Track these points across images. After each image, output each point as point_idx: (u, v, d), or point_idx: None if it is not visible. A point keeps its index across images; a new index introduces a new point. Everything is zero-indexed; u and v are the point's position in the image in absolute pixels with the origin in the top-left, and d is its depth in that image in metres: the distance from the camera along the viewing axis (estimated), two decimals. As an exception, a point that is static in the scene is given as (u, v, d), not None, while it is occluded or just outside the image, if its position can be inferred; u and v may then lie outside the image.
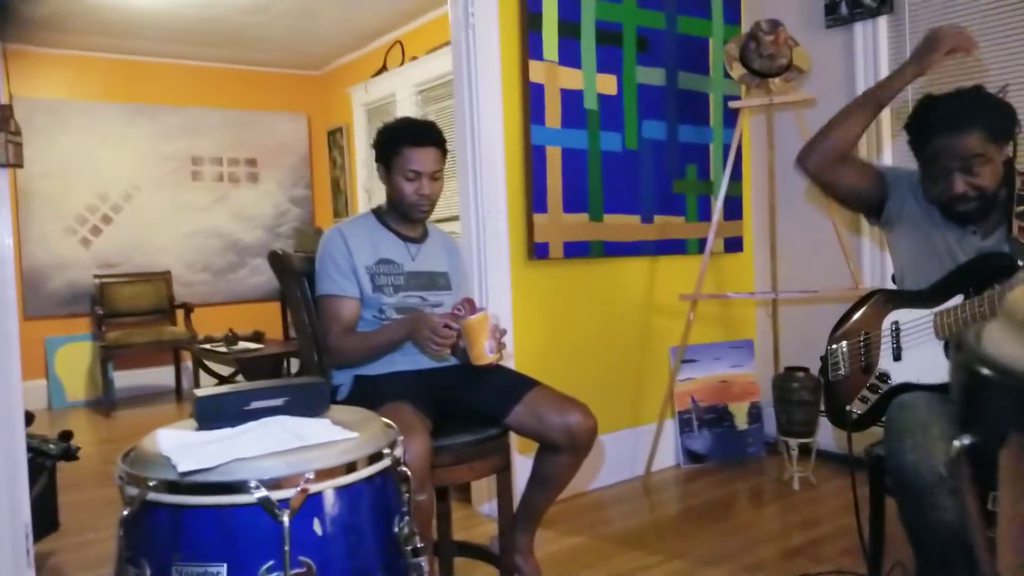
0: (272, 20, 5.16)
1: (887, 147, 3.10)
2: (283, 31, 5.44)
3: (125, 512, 1.04)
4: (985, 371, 0.48)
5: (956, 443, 0.50)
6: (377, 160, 2.10)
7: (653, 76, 3.21)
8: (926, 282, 1.85)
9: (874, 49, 3.06)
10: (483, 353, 1.79)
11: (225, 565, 0.98)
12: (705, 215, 3.37)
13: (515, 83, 2.83)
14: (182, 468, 1.01)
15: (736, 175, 3.47)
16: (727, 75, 3.21)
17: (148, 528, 1.03)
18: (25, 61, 5.36)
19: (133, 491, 1.04)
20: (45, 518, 2.42)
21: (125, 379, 5.71)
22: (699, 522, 2.72)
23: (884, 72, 3.04)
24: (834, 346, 1.96)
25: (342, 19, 5.24)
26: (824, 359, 1.98)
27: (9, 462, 2.04)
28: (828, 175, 1.97)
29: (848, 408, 1.88)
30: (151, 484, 1.02)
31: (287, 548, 0.98)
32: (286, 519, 0.98)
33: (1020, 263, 1.70)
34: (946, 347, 1.78)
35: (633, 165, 3.15)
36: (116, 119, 5.76)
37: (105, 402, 5.25)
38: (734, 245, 3.54)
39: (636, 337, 3.25)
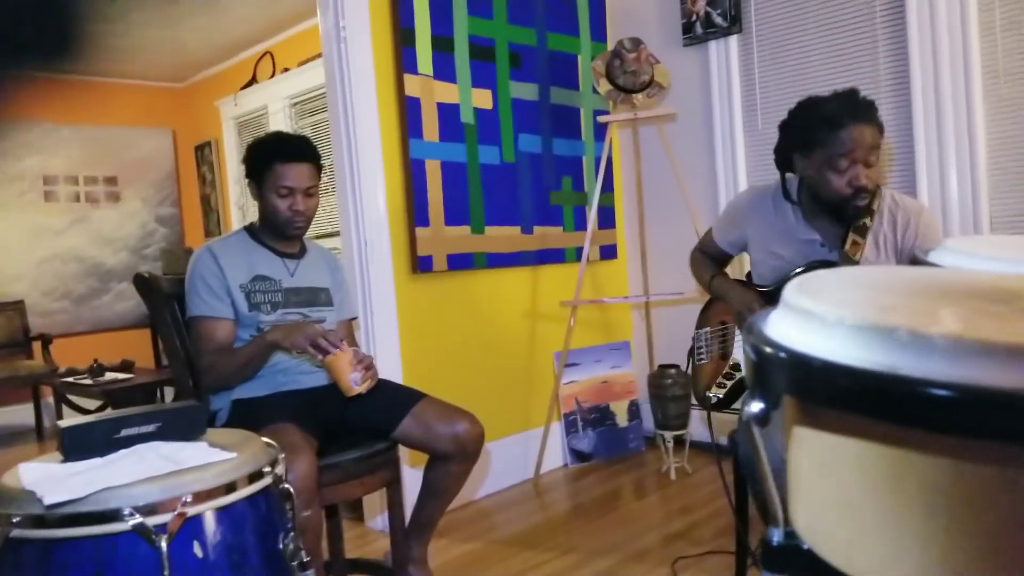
0: (128, 28, 4.92)
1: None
2: (144, 40, 5.19)
3: (-12, 553, 0.98)
4: (766, 348, 0.59)
5: (746, 409, 0.60)
6: (248, 176, 2.05)
7: (527, 91, 3.30)
8: (769, 281, 2.02)
9: (727, 65, 3.28)
10: (349, 387, 1.79)
11: (102, 598, 0.95)
12: (581, 225, 3.49)
13: (391, 97, 2.84)
14: (49, 501, 0.96)
15: (608, 186, 3.62)
16: (595, 90, 3.35)
17: (15, 567, 0.97)
18: None
19: (0, 529, 0.98)
20: None
21: (-21, 418, 5.25)
22: (587, 517, 2.82)
23: (737, 86, 3.27)
24: (698, 331, 2.11)
25: (205, 28, 5.06)
26: (691, 345, 2.13)
27: None
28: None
29: (707, 393, 2.01)
30: (15, 520, 0.97)
31: (167, 574, 0.95)
32: (164, 544, 0.96)
33: None
34: None
35: (512, 178, 3.23)
36: (-45, 137, 5.31)
37: (-46, 445, 4.82)
38: (609, 252, 3.69)
39: (521, 344, 3.32)
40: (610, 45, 3.57)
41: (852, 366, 0.53)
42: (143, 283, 2.04)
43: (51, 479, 1.02)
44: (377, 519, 2.80)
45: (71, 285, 5.80)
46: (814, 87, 3.02)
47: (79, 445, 1.14)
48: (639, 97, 3.22)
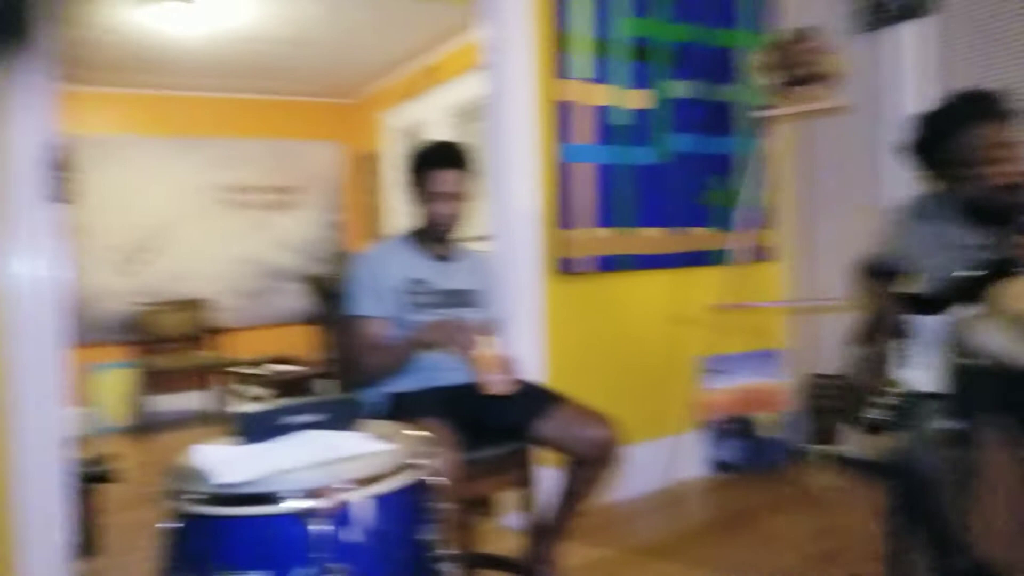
0: (305, 51, 5.29)
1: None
2: (316, 61, 5.56)
3: (167, 525, 1.06)
4: (971, 362, 0.51)
5: (946, 426, 0.53)
6: (406, 184, 2.16)
7: (684, 89, 3.23)
8: (932, 282, 1.86)
9: (906, 54, 3.03)
10: (488, 385, 1.83)
11: (263, 573, 1.01)
12: (733, 226, 3.36)
13: (545, 102, 2.86)
14: (220, 481, 1.04)
15: (764, 185, 3.45)
16: (755, 85, 3.21)
17: (190, 540, 1.06)
18: (70, 99, 5.55)
19: (174, 504, 1.07)
20: (86, 540, 2.48)
21: (164, 404, 5.81)
22: (724, 531, 2.70)
23: (915, 77, 3.01)
24: (852, 350, 1.97)
25: (373, 46, 5.34)
26: (843, 364, 1.99)
27: (50, 484, 2.09)
28: None
29: (863, 414, 1.87)
30: (192, 497, 1.05)
31: (322, 555, 1.00)
32: (322, 527, 1.00)
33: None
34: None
35: (663, 178, 3.16)
36: (161, 152, 5.93)
37: (145, 426, 5.36)
38: (762, 254, 3.52)
39: (664, 349, 3.24)
40: (774, 37, 3.40)
41: None
42: (312, 282, 2.18)
43: (223, 461, 1.11)
44: (508, 517, 2.81)
45: (248, 284, 6.31)
46: (1012, 75, 2.71)
47: (250, 430, 1.22)
48: (803, 91, 3.05)
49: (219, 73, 5.66)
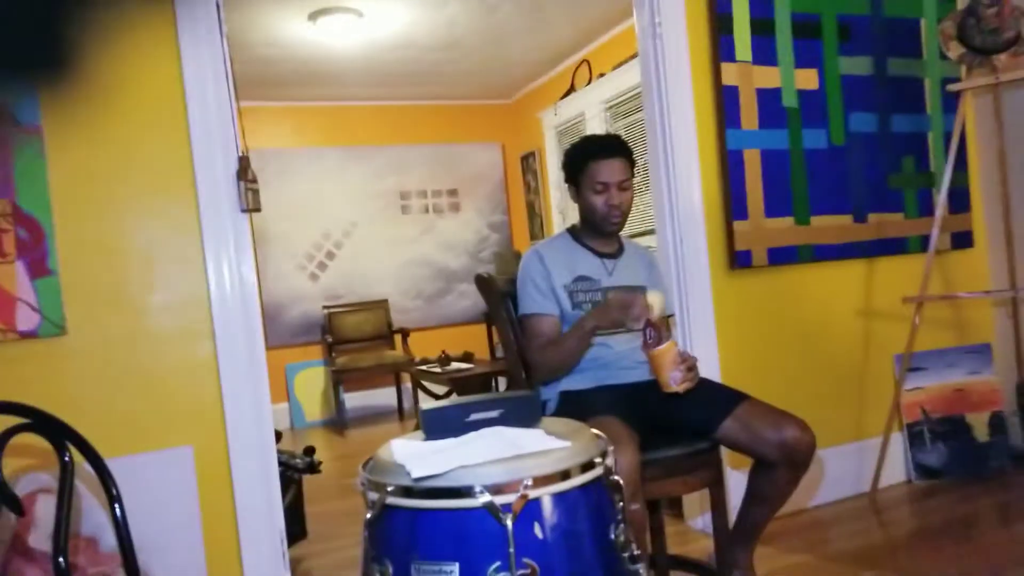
0: (464, 55, 5.48)
1: None
2: (474, 64, 5.75)
3: (368, 515, 1.15)
4: None
5: None
6: (566, 180, 2.17)
7: (858, 66, 3.01)
8: None
9: None
10: (668, 383, 1.80)
11: (457, 564, 1.07)
12: (927, 210, 3.09)
13: (707, 88, 2.78)
14: (415, 474, 1.11)
15: (961, 164, 3.15)
16: (944, 56, 2.94)
17: (389, 529, 1.14)
18: (253, 115, 6.11)
19: (374, 496, 1.16)
20: (295, 526, 2.72)
21: (354, 400, 6.26)
22: (935, 542, 2.48)
23: None
24: None
25: (529, 45, 5.44)
26: None
27: (264, 475, 2.31)
28: None
29: None
30: (389, 489, 1.13)
31: (512, 550, 1.04)
32: (509, 522, 1.05)
33: None
34: None
35: (841, 162, 2.97)
36: (334, 162, 6.37)
37: (338, 421, 5.80)
38: (962, 240, 3.21)
39: (855, 346, 3.04)
40: (960, 3, 3.10)
41: None
42: (483, 283, 2.26)
43: (416, 455, 1.18)
44: (698, 519, 2.76)
45: (422, 286, 6.64)
46: None
47: (437, 426, 1.30)
48: (1001, 58, 2.76)
49: (381, 83, 5.99)
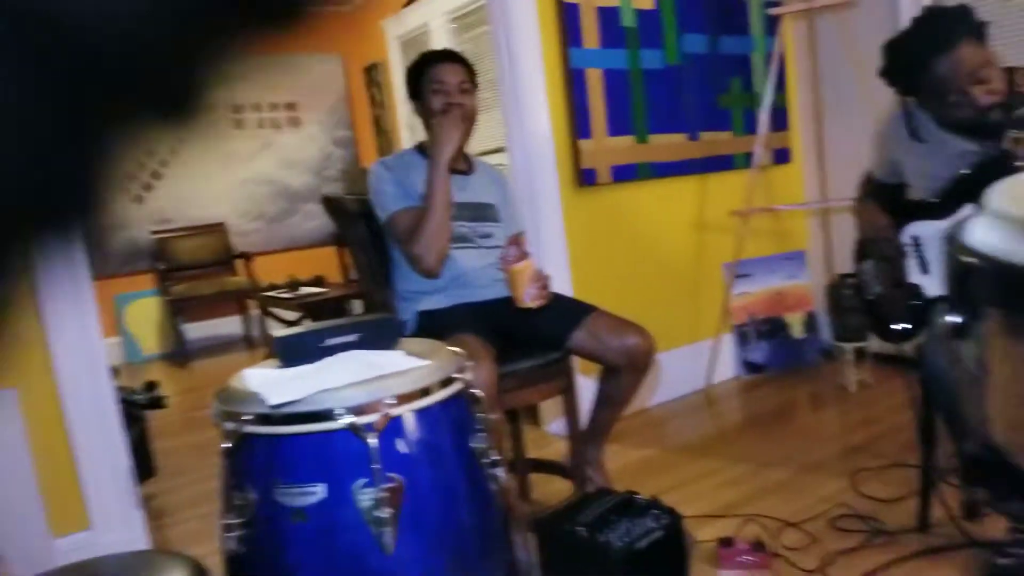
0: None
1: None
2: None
3: (226, 446, 1.13)
4: (968, 259, 0.55)
5: (946, 319, 0.57)
6: (411, 97, 2.13)
7: (691, -14, 3.12)
8: (933, 188, 1.85)
9: (926, -64, 2.91)
10: (522, 300, 1.86)
11: (323, 485, 1.08)
12: (751, 128, 3.31)
13: (550, 4, 2.78)
14: (272, 401, 1.09)
15: (780, 86, 3.38)
16: (769, -22, 3.11)
17: (248, 458, 1.13)
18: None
19: (230, 426, 1.13)
20: (142, 464, 2.60)
21: (195, 331, 5.94)
22: (761, 428, 2.79)
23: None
24: (860, 264, 1.99)
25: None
26: (856, 279, 2.02)
27: (101, 414, 2.18)
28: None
29: (893, 327, 1.90)
30: (246, 418, 1.12)
31: (377, 466, 1.06)
32: (373, 440, 1.07)
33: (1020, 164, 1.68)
34: None
35: (676, 82, 3.10)
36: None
37: (179, 354, 5.51)
38: (782, 157, 3.48)
39: (689, 255, 3.26)
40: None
41: None
42: (331, 204, 2.19)
43: (272, 383, 1.16)
44: (553, 424, 2.92)
45: (264, 206, 6.32)
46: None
47: (292, 353, 1.28)
48: (818, -17, 2.95)
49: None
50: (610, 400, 2.09)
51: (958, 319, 0.59)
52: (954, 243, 0.62)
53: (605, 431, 2.17)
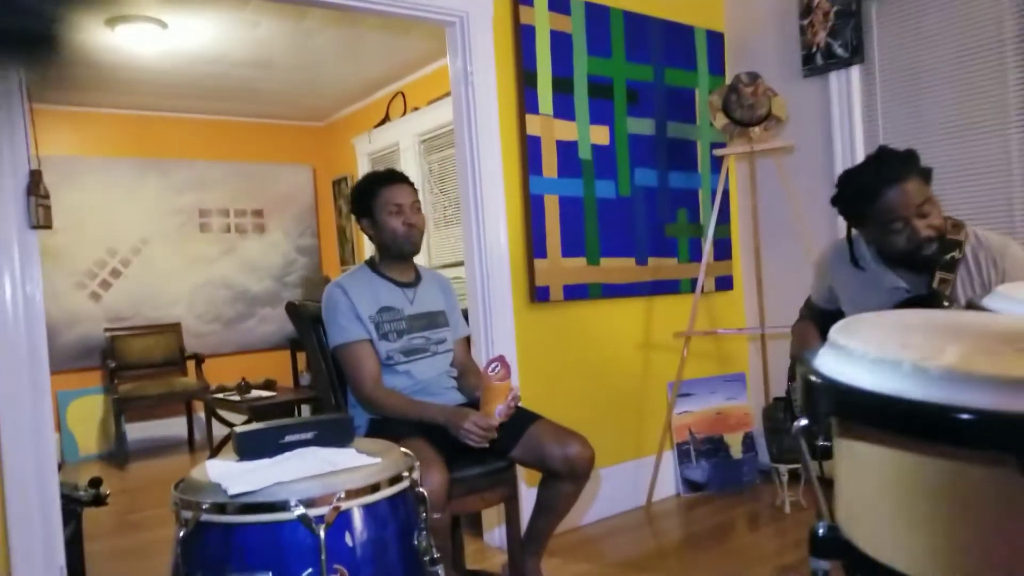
0: (276, 74, 5.41)
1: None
2: (287, 84, 5.68)
3: (181, 533, 1.18)
4: (814, 378, 0.74)
5: (796, 424, 0.73)
6: (358, 216, 2.26)
7: (643, 126, 3.41)
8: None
9: (848, 96, 3.27)
10: (492, 414, 1.96)
11: (270, 573, 1.13)
12: (697, 256, 3.54)
13: (513, 135, 3.02)
14: (232, 491, 1.15)
15: (724, 218, 3.66)
16: (712, 124, 3.42)
17: (202, 545, 1.17)
18: (38, 119, 5.59)
19: (188, 514, 1.18)
20: (74, 565, 2.53)
21: (138, 431, 5.80)
22: (699, 546, 2.84)
23: (859, 118, 3.24)
24: (791, 384, 2.14)
25: (344, 72, 5.49)
26: (787, 398, 2.16)
27: (44, 509, 2.16)
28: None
29: (818, 443, 2.02)
30: (204, 507, 1.17)
31: (323, 557, 1.12)
32: (322, 532, 1.13)
33: (945, 304, 1.87)
34: None
35: (627, 211, 3.33)
36: (126, 174, 5.95)
37: (118, 454, 5.35)
38: (725, 284, 3.71)
39: (635, 373, 3.40)
40: (728, 79, 3.62)
41: (870, 391, 0.67)
42: (293, 309, 2.29)
43: (231, 474, 1.22)
44: (495, 533, 2.93)
45: (221, 309, 6.35)
46: (941, 117, 2.97)
47: (251, 447, 1.34)
48: (756, 130, 3.26)
49: (184, 94, 5.73)
50: (548, 508, 2.15)
51: (806, 423, 0.75)
52: (803, 363, 0.78)
53: (543, 540, 2.22)
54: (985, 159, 2.89)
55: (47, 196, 2.26)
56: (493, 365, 1.97)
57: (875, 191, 1.88)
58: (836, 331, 0.78)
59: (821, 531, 0.80)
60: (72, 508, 2.51)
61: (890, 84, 3.16)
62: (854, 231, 2.08)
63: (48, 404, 2.19)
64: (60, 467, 2.48)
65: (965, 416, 0.59)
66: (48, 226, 2.26)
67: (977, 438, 0.60)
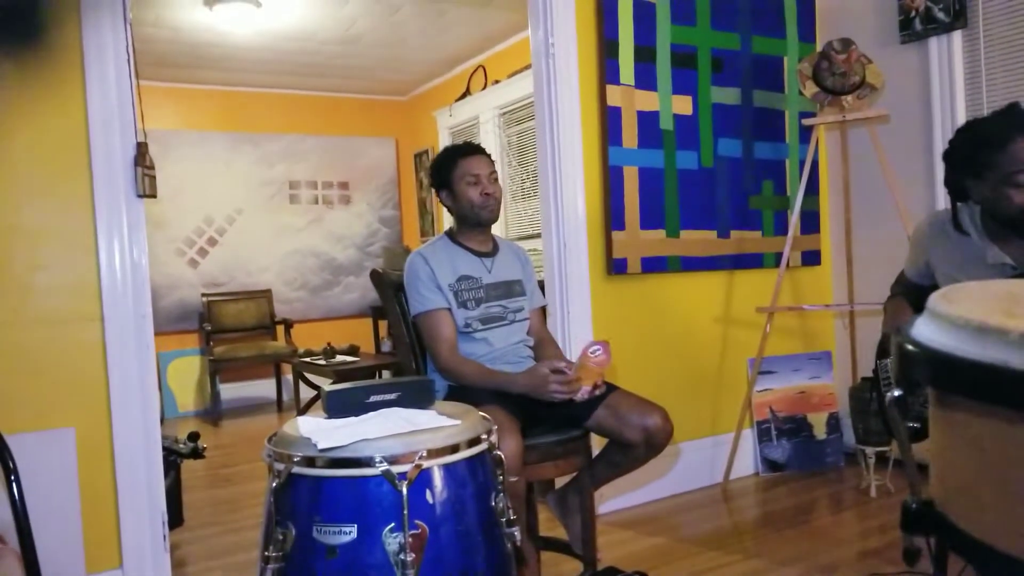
0: (362, 50, 5.52)
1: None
2: (372, 60, 5.80)
3: (274, 484, 1.26)
4: (909, 347, 0.71)
5: (891, 394, 0.70)
6: (438, 188, 2.31)
7: (728, 96, 3.33)
8: None
9: (949, 63, 3.10)
10: (578, 392, 1.96)
11: (356, 525, 1.19)
12: (782, 230, 3.45)
13: (593, 106, 3.00)
14: (321, 445, 1.22)
15: (813, 190, 3.54)
16: (801, 93, 3.30)
17: (293, 496, 1.25)
18: (143, 94, 5.88)
19: (280, 466, 1.26)
20: (173, 512, 2.71)
21: (230, 391, 6.13)
22: (777, 526, 2.80)
23: (960, 87, 3.07)
24: (881, 361, 2.05)
25: (427, 47, 5.55)
26: (875, 376, 2.06)
27: (148, 459, 2.32)
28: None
29: (907, 424, 1.93)
30: (296, 459, 1.24)
31: (406, 512, 1.18)
32: (404, 489, 1.18)
33: None
34: None
35: (709, 182, 3.27)
36: (222, 147, 6.23)
37: (213, 412, 5.67)
38: (812, 258, 3.60)
39: (714, 349, 3.35)
40: (819, 46, 3.48)
41: (974, 359, 0.64)
42: (377, 277, 2.36)
43: (321, 430, 1.29)
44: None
45: (308, 277, 6.59)
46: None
47: (339, 406, 1.41)
48: (849, 99, 3.13)
49: (276, 71, 5.93)
50: (614, 464, 2.17)
51: (900, 394, 0.73)
52: (900, 333, 0.75)
53: (599, 483, 2.23)
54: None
55: (152, 167, 2.39)
56: (596, 348, 1.95)
57: (1005, 138, 1.78)
58: (936, 298, 0.75)
59: (915, 505, 0.78)
60: (172, 459, 2.69)
61: (996, 51, 2.97)
62: (959, 203, 1.97)
63: (152, 362, 2.34)
64: (162, 422, 2.66)
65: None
66: (153, 195, 2.39)
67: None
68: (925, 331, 0.72)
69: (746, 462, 3.42)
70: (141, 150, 2.32)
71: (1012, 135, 1.77)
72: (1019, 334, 0.61)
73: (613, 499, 3.01)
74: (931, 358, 0.68)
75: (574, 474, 2.24)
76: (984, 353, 0.62)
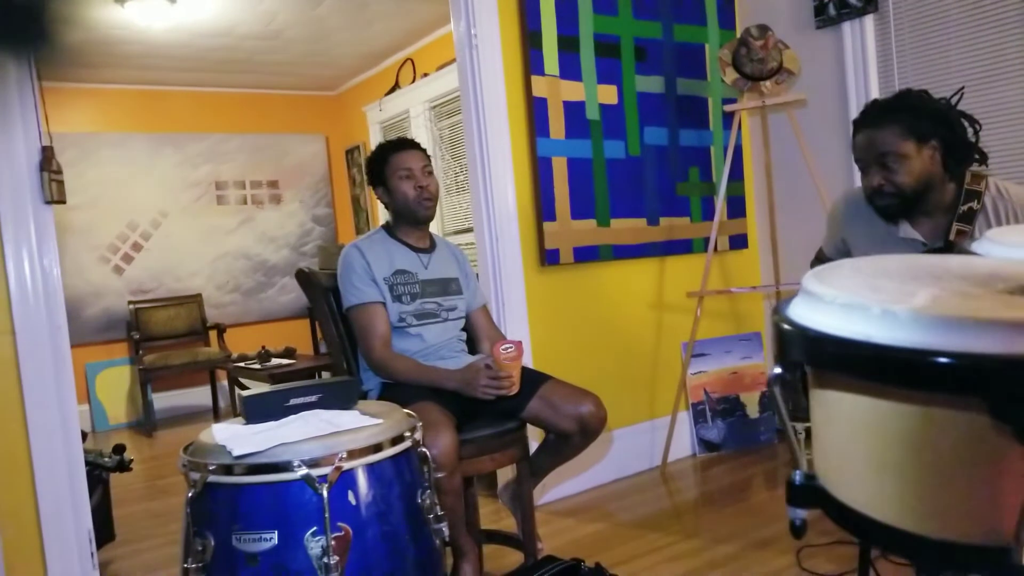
0: (285, 45, 5.39)
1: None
2: (296, 55, 5.67)
3: (190, 494, 1.22)
4: (785, 326, 0.74)
5: (771, 372, 0.73)
6: (374, 185, 2.29)
7: (652, 84, 3.37)
8: None
9: (862, 47, 3.20)
10: (507, 388, 1.99)
11: (276, 532, 1.16)
12: (709, 215, 3.51)
13: (519, 98, 3.00)
14: (236, 453, 1.19)
15: (738, 175, 3.62)
16: (722, 80, 3.36)
17: (210, 505, 1.21)
18: (52, 97, 5.63)
19: (196, 475, 1.22)
20: (102, 528, 2.62)
21: (164, 400, 5.94)
22: (714, 505, 2.86)
23: (873, 70, 3.18)
24: None
25: (353, 41, 5.46)
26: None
27: (70, 476, 2.23)
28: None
29: (806, 400, 2.01)
30: (211, 468, 1.21)
31: (327, 515, 1.15)
32: (325, 492, 1.16)
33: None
34: None
35: (637, 171, 3.30)
36: (143, 149, 6.00)
37: (146, 423, 5.49)
38: (739, 242, 3.68)
39: (648, 334, 3.40)
40: (739, 33, 3.55)
41: (839, 336, 0.66)
42: (304, 277, 2.31)
43: (237, 437, 1.26)
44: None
45: (240, 280, 6.43)
46: (957, 68, 2.90)
47: (258, 411, 1.37)
48: (767, 84, 3.20)
49: (196, 68, 5.75)
50: (554, 451, 2.21)
51: (780, 372, 0.75)
52: (776, 312, 0.78)
53: (541, 475, 2.27)
54: (1006, 108, 2.82)
55: (60, 172, 2.29)
56: (508, 346, 1.98)
57: (853, 133, 1.93)
58: (809, 278, 0.78)
59: (797, 480, 0.81)
60: (98, 474, 2.60)
61: (905, 33, 3.08)
62: None
63: (69, 375, 2.25)
64: (87, 436, 2.56)
65: (933, 359, 0.58)
66: (62, 201, 2.30)
67: (945, 382, 0.59)
68: (798, 310, 0.74)
69: (683, 444, 3.48)
70: (47, 154, 2.22)
71: (855, 130, 1.91)
72: (880, 309, 0.63)
73: (555, 487, 3.03)
74: (802, 336, 0.71)
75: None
76: (849, 328, 0.65)
